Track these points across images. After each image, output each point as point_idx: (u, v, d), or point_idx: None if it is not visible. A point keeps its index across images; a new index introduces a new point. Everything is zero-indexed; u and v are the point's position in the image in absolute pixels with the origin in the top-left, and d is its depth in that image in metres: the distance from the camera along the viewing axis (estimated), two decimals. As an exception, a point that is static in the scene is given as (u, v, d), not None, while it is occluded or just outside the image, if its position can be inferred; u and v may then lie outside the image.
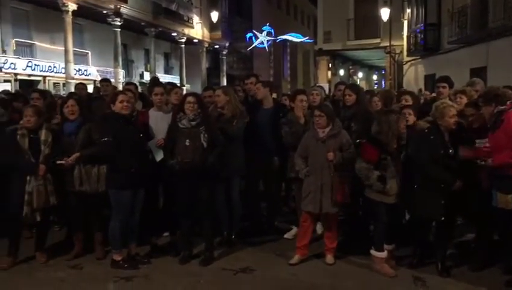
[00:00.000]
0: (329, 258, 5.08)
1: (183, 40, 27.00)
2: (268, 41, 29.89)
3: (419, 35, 20.78)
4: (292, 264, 5.02)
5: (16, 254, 5.04)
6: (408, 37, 22.57)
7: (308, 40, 32.27)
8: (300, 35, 31.60)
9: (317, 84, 17.56)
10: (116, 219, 4.86)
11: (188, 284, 4.62)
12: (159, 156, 5.27)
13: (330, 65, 28.10)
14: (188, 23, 26.98)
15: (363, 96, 5.76)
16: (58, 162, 4.88)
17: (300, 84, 35.80)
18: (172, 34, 26.40)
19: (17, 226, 5.04)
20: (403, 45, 23.55)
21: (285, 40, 31.98)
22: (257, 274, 4.85)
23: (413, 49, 21.79)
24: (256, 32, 29.86)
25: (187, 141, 4.86)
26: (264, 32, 29.76)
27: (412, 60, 22.92)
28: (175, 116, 5.11)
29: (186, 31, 27.02)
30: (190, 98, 5.00)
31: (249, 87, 6.37)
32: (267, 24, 29.89)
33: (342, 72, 32.08)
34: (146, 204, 5.09)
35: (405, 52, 23.36)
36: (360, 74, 39.70)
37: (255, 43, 29.95)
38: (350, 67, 34.47)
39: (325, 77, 27.57)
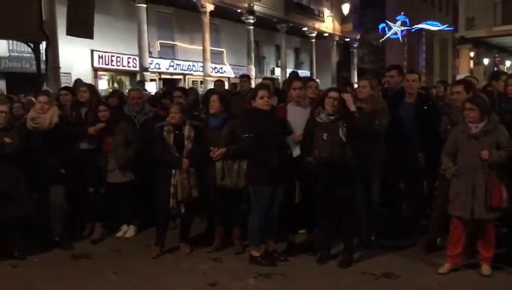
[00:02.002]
0: (486, 268, 4.52)
1: (314, 35, 26.89)
2: (402, 31, 28.45)
3: None
4: (441, 274, 4.56)
5: (163, 243, 5.30)
6: None
7: (448, 28, 29.97)
8: (438, 23, 29.54)
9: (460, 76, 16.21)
10: (255, 214, 4.86)
11: (328, 285, 4.44)
12: (297, 151, 5.15)
13: (473, 54, 25.83)
14: (318, 17, 26.80)
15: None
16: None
17: (437, 76, 33.51)
18: (303, 29, 26.42)
19: (165, 217, 5.29)
20: (562, 28, 20.75)
21: (421, 30, 30.16)
22: (402, 281, 4.50)
23: None
24: (389, 23, 28.61)
25: (325, 134, 4.68)
26: (398, 22, 28.37)
27: None
28: (313, 110, 4.95)
29: (317, 25, 26.85)
30: (332, 93, 4.79)
31: (388, 80, 6.00)
32: (402, 13, 28.43)
33: (486, 61, 29.32)
34: (283, 200, 5.01)
35: None
36: (508, 63, 35.91)
37: (388, 34, 28.71)
38: (496, 55, 31.36)
39: (466, 67, 25.42)
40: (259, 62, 26.61)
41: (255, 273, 4.68)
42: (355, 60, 30.45)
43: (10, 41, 15.08)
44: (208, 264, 4.99)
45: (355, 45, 30.52)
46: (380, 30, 29.09)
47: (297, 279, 4.59)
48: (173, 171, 5.04)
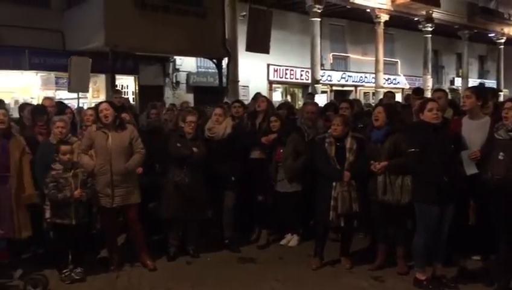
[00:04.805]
0: None
1: (502, 40, 24.43)
2: None
3: None
4: None
5: (322, 255, 5.28)
6: None
7: None
8: None
9: None
10: (420, 234, 4.55)
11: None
12: (471, 169, 4.66)
13: None
14: (508, 20, 24.31)
15: None
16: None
17: None
18: (489, 35, 24.19)
19: (324, 230, 5.27)
20: None
21: None
22: None
23: None
24: None
25: (501, 154, 4.18)
26: None
27: None
28: (493, 125, 4.46)
29: (506, 29, 24.36)
30: (508, 104, 4.28)
31: None
32: None
33: None
34: (455, 221, 4.60)
35: None
36: None
37: None
38: None
39: None
40: (437, 72, 25.08)
41: (419, 298, 4.39)
42: (556, 67, 26.70)
43: (198, 59, 16.82)
44: (369, 282, 4.82)
45: (556, 50, 26.77)
46: None
47: (467, 310, 4.18)
48: (334, 183, 4.99)
